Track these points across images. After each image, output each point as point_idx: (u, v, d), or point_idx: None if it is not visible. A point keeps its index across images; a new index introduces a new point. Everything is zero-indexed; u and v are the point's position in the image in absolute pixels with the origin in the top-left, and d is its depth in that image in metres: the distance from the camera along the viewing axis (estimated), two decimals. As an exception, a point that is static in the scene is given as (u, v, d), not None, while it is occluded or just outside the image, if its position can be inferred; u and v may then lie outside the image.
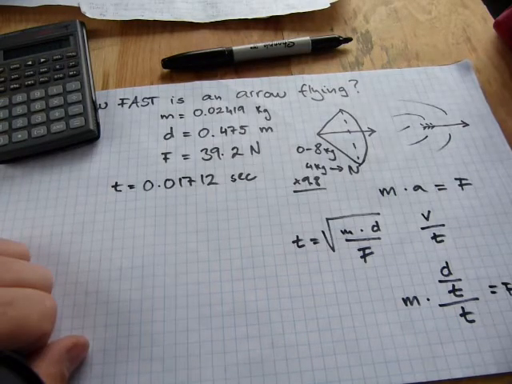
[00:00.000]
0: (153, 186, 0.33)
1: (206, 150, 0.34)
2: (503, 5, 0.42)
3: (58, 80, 0.36)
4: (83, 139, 0.34)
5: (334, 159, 0.34)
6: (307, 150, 0.34)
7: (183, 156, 0.34)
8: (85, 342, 0.27)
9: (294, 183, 0.33)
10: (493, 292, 0.29)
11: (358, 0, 0.45)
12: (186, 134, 0.35)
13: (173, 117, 0.36)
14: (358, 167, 0.34)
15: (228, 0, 0.44)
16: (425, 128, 0.36)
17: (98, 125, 0.35)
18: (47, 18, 0.43)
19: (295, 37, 0.41)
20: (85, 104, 0.35)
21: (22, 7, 0.43)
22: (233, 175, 0.33)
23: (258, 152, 0.34)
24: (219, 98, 0.37)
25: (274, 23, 0.43)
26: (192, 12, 0.43)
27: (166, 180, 0.33)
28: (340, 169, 0.34)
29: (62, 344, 0.25)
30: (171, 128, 0.35)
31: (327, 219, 0.31)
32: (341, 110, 0.37)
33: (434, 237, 0.31)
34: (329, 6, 0.42)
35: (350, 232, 0.31)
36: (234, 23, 0.43)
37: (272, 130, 0.35)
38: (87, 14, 0.41)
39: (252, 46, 0.39)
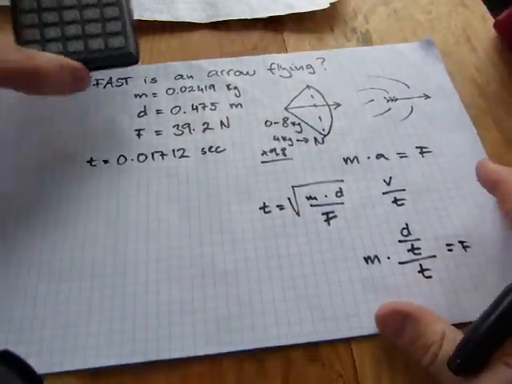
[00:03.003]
0: (126, 160, 0.34)
1: (178, 125, 0.36)
2: (503, 5, 0.42)
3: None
4: (124, 62, 0.32)
5: (301, 131, 0.36)
6: (275, 123, 0.36)
7: (156, 132, 0.35)
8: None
9: (262, 154, 0.34)
10: (449, 250, 0.30)
11: (358, 0, 0.46)
12: (158, 112, 0.37)
13: (146, 96, 0.38)
14: (323, 138, 0.35)
15: (228, 0, 0.44)
16: (388, 101, 0.37)
17: (137, 47, 0.32)
18: None
19: (295, 37, 0.42)
20: (123, 21, 0.32)
21: None
22: (203, 148, 0.35)
23: (228, 126, 0.36)
24: (191, 77, 0.39)
25: (274, 23, 0.43)
26: (192, 12, 0.43)
27: (139, 154, 0.34)
28: (306, 140, 0.35)
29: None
30: (144, 106, 0.37)
31: (293, 187, 0.33)
32: (308, 86, 0.38)
33: (395, 201, 0.32)
34: (328, 5, 0.43)
35: (315, 198, 0.32)
36: (234, 23, 0.43)
37: (242, 106, 0.37)
38: None
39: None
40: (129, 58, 0.32)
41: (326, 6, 0.43)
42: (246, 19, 0.43)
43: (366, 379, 0.27)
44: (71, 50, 0.31)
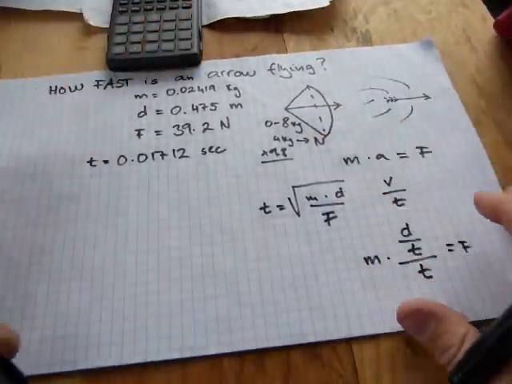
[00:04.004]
0: (126, 160, 0.34)
1: (178, 126, 0.36)
2: (503, 5, 0.42)
3: (172, 9, 0.42)
4: (187, 61, 0.39)
5: (301, 132, 0.35)
6: (275, 123, 0.36)
7: (156, 132, 0.35)
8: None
9: (262, 154, 0.34)
10: (450, 250, 0.30)
11: (358, 0, 0.46)
12: (158, 112, 0.37)
13: (146, 96, 0.38)
14: (323, 139, 0.35)
15: (227, 0, 0.44)
16: (388, 101, 0.37)
17: (200, 52, 0.40)
18: (48, 20, 0.43)
19: (295, 37, 0.42)
20: (192, 32, 0.40)
21: (23, 9, 0.43)
22: (203, 148, 0.35)
23: (228, 126, 0.36)
24: (191, 78, 0.39)
25: (274, 23, 0.43)
26: None
27: (139, 154, 0.34)
28: (306, 140, 0.35)
29: None
30: (145, 106, 0.37)
31: (293, 187, 0.33)
32: (308, 86, 0.38)
33: (395, 201, 0.32)
34: (328, 3, 0.42)
35: (315, 198, 0.32)
36: (234, 24, 0.43)
37: (242, 107, 0.37)
38: (90, 22, 0.42)
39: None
40: (193, 58, 0.39)
41: (326, 4, 0.43)
42: (246, 19, 0.43)
43: (365, 379, 0.26)
44: (148, 50, 0.39)
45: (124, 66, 0.39)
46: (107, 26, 0.42)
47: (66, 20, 0.43)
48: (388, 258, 0.30)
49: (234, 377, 0.26)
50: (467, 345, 0.22)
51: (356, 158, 0.34)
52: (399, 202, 0.32)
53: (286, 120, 0.36)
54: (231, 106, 0.37)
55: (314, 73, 0.39)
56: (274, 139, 0.35)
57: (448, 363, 0.23)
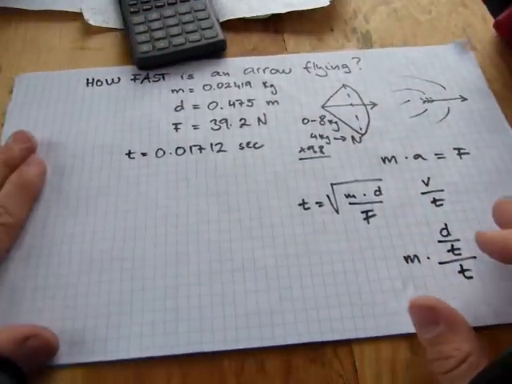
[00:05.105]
0: (164, 153, 0.34)
1: (215, 120, 0.36)
2: (503, 5, 0.42)
3: (183, 2, 0.42)
4: (215, 48, 0.40)
5: (338, 130, 0.36)
6: (312, 121, 0.36)
7: (193, 126, 0.36)
8: (47, 338, 0.26)
9: (300, 151, 0.34)
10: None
11: (358, 0, 0.45)
12: (195, 107, 0.37)
13: (183, 91, 0.38)
14: (360, 137, 0.35)
15: (227, 0, 0.43)
16: (424, 102, 0.37)
17: (224, 36, 0.40)
18: (48, 20, 0.43)
19: (295, 37, 0.42)
20: (213, 20, 0.40)
21: (23, 9, 0.43)
22: (241, 143, 0.35)
23: (265, 123, 0.36)
24: (227, 74, 0.39)
25: (274, 24, 0.43)
26: None
27: (177, 148, 0.34)
28: (343, 139, 0.35)
29: (21, 328, 0.25)
30: (181, 101, 0.37)
31: (331, 184, 0.33)
32: (344, 85, 0.38)
33: (434, 201, 0.32)
34: (328, 3, 0.42)
35: (354, 196, 0.32)
36: (234, 23, 0.42)
37: (278, 103, 0.37)
38: (90, 22, 0.42)
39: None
40: (220, 45, 0.40)
41: (326, 3, 0.42)
42: (246, 19, 0.42)
43: (365, 379, 0.26)
44: (175, 44, 0.39)
45: (153, 63, 0.39)
46: (107, 25, 0.42)
47: (67, 20, 0.43)
48: (428, 258, 0.30)
49: (233, 377, 0.26)
50: (465, 366, 0.22)
51: (393, 157, 0.34)
52: (438, 203, 0.32)
53: (322, 118, 0.36)
54: (268, 102, 0.37)
55: (350, 72, 0.39)
56: (311, 136, 0.35)
57: (439, 372, 0.23)
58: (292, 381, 0.26)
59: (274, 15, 0.43)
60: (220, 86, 0.38)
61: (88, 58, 0.40)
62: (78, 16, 0.43)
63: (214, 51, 0.40)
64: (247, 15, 0.42)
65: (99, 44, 0.41)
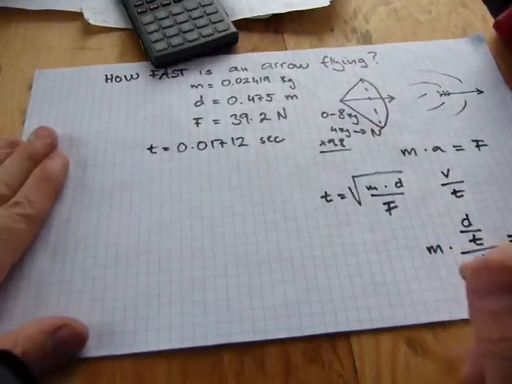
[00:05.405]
0: (186, 147, 0.34)
1: (235, 115, 0.36)
2: (503, 5, 0.42)
3: None
4: (228, 41, 0.40)
5: (357, 123, 0.36)
6: (331, 115, 0.36)
7: (214, 121, 0.36)
8: (77, 328, 0.26)
9: (320, 145, 0.35)
10: (511, 241, 0.31)
11: (358, 0, 0.45)
12: (215, 102, 0.37)
13: (202, 86, 0.38)
14: (380, 130, 0.35)
15: (227, 0, 0.43)
16: (441, 95, 0.38)
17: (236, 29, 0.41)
18: (48, 20, 0.43)
19: (295, 37, 0.42)
20: (221, 14, 0.41)
21: (23, 9, 0.43)
22: (262, 138, 0.35)
23: (285, 117, 0.36)
24: (245, 69, 0.39)
25: (274, 24, 0.43)
26: None
27: (199, 142, 0.35)
28: (363, 132, 0.35)
29: (51, 319, 0.26)
30: (201, 96, 0.37)
31: (353, 176, 0.33)
32: (361, 80, 0.39)
33: (454, 192, 0.33)
34: (328, 3, 0.42)
35: (375, 188, 0.33)
36: (234, 24, 0.41)
37: (297, 98, 0.37)
38: (90, 21, 0.42)
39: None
40: (233, 37, 0.40)
41: (326, 3, 0.42)
42: (246, 20, 0.42)
43: (365, 379, 0.26)
44: (190, 39, 0.39)
45: (170, 60, 0.39)
46: (107, 25, 0.42)
47: (67, 20, 0.43)
48: (450, 248, 0.30)
49: (233, 376, 0.26)
50: None
51: (413, 149, 0.35)
52: (458, 194, 0.32)
53: (341, 111, 0.36)
54: (287, 97, 0.37)
55: (367, 66, 0.39)
56: (331, 130, 0.35)
57: (503, 357, 0.18)
58: (292, 381, 0.26)
59: (274, 15, 0.43)
60: (239, 81, 0.38)
61: (88, 57, 0.40)
62: (78, 16, 0.43)
63: (227, 44, 0.40)
64: (248, 15, 0.42)
65: (99, 44, 0.41)
